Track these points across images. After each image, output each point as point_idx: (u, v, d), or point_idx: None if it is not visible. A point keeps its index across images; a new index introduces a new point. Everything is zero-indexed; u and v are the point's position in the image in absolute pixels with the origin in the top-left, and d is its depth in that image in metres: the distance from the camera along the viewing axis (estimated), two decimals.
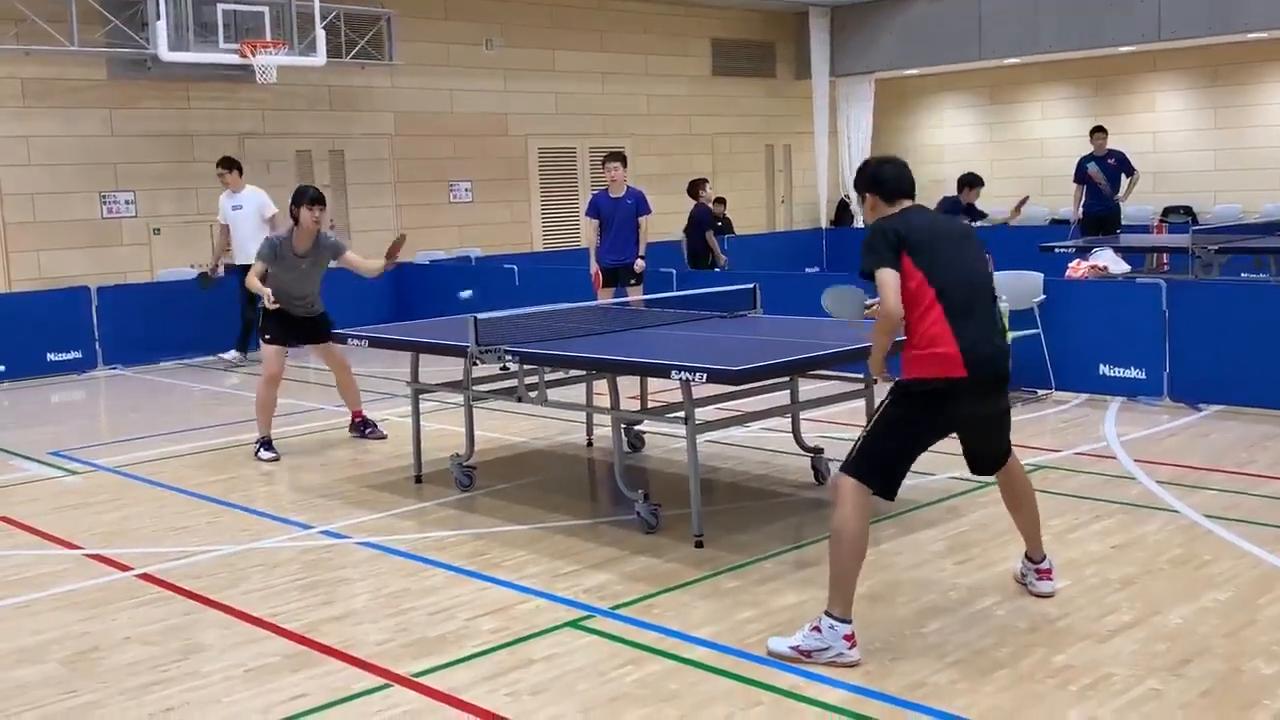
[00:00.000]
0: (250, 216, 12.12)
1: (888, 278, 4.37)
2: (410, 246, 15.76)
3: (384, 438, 8.44)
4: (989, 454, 4.77)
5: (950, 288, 4.40)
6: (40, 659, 4.69)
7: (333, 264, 8.28)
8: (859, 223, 20.43)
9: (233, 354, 12.54)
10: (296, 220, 7.96)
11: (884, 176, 4.65)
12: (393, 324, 8.90)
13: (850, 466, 4.44)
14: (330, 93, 15.27)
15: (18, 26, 12.41)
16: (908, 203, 4.61)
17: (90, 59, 13.16)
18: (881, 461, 4.44)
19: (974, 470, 4.85)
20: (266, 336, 8.10)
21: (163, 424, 9.49)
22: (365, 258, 8.46)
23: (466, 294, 10.33)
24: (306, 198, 7.95)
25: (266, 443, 8.03)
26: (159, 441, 8.78)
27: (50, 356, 12.04)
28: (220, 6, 12.80)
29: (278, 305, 7.91)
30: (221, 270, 12.58)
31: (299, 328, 8.12)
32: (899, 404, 4.45)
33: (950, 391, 4.38)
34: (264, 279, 7.91)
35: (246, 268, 11.65)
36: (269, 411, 8.09)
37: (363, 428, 8.54)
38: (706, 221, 14.39)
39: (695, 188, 14.51)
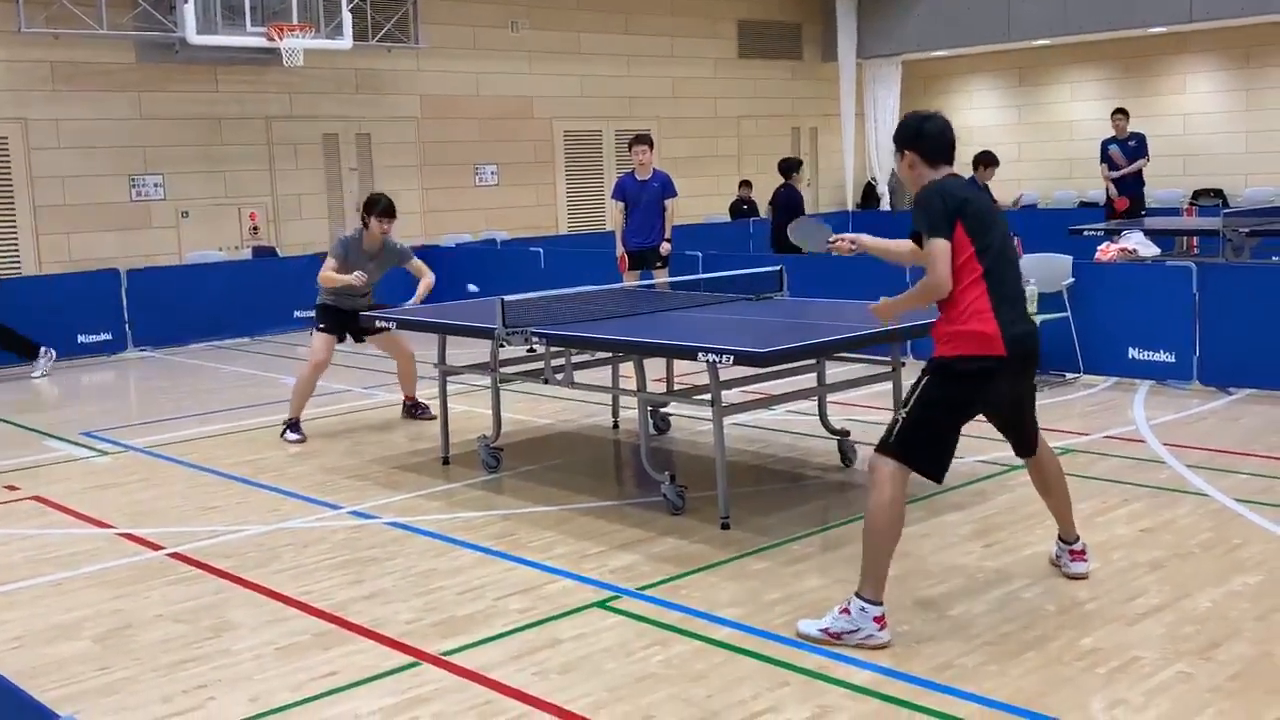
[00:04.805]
0: None
1: (941, 249, 4.27)
2: (436, 229, 15.91)
3: (433, 418, 8.47)
4: (1024, 430, 4.74)
5: (995, 266, 4.35)
6: (74, 636, 4.74)
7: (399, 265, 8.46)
8: (885, 205, 20.37)
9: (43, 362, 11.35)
10: (366, 225, 8.15)
11: (927, 133, 4.49)
12: (419, 306, 8.92)
13: (890, 448, 4.37)
14: (357, 76, 15.30)
15: (47, 10, 12.49)
16: (947, 168, 4.51)
17: (119, 42, 13.24)
18: (927, 442, 4.38)
19: (1019, 452, 4.83)
20: (321, 326, 8.26)
21: (192, 405, 9.57)
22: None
23: (472, 288, 10.12)
24: (378, 208, 8.11)
25: (294, 424, 8.11)
26: (189, 422, 8.86)
27: (81, 338, 12.14)
28: None
29: (333, 301, 8.19)
30: None
31: (352, 321, 8.22)
32: (941, 383, 4.37)
33: (992, 370, 4.36)
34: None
35: None
36: (305, 396, 8.21)
37: (414, 410, 8.67)
38: (797, 206, 13.10)
39: (788, 169, 13.43)
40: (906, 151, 4.52)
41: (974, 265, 4.31)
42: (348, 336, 8.40)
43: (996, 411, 4.65)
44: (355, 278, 7.95)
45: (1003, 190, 15.85)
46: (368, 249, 8.19)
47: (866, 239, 5.04)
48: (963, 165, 5.00)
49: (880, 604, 4.32)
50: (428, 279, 8.23)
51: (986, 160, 12.11)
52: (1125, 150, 14.01)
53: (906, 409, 4.40)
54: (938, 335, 4.43)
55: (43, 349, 11.32)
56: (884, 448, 4.39)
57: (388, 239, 8.29)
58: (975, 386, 4.38)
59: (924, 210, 4.34)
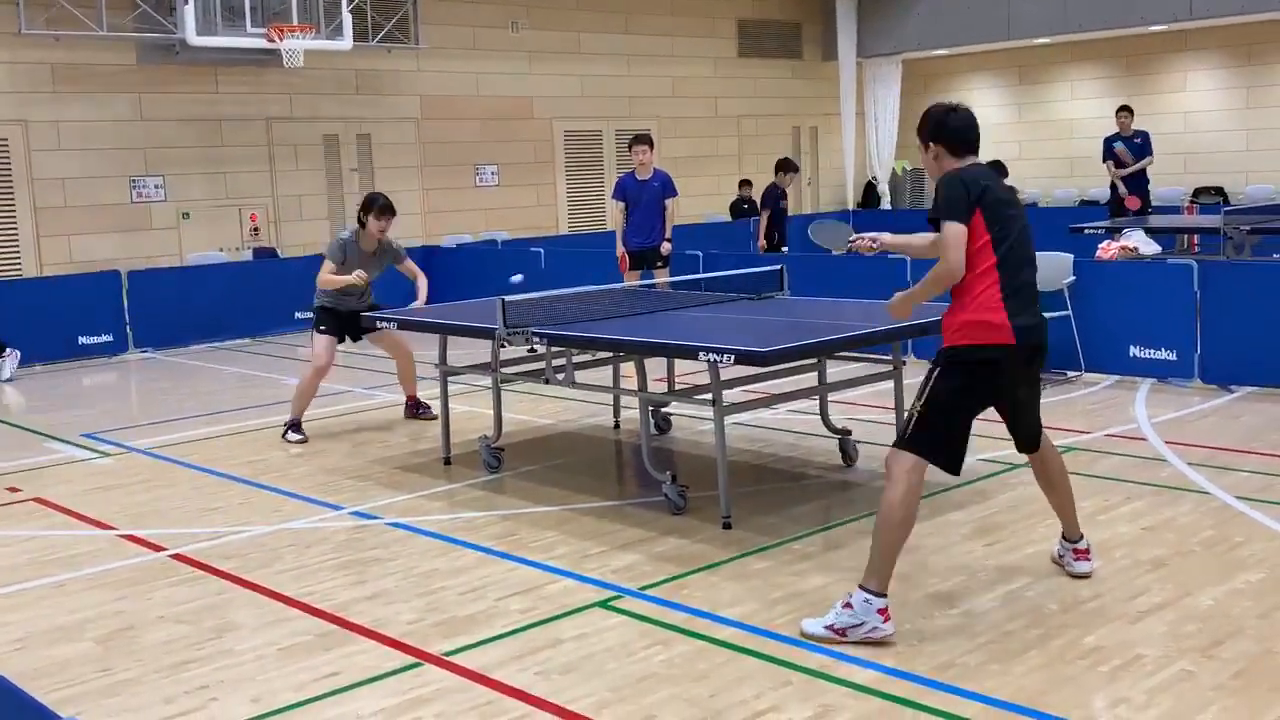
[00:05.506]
0: None
1: (956, 234, 4.28)
2: (437, 230, 15.91)
3: (435, 418, 8.48)
4: (1028, 424, 4.71)
5: (1011, 256, 4.36)
6: (77, 637, 4.74)
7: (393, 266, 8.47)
8: (886, 204, 20.37)
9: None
10: (363, 225, 8.12)
11: (951, 125, 4.46)
12: (422, 307, 8.92)
13: (908, 442, 4.38)
14: (357, 76, 15.30)
15: (48, 11, 12.48)
16: (972, 158, 4.49)
17: (119, 44, 13.23)
18: (943, 434, 4.39)
19: (1021, 448, 4.80)
20: (322, 328, 8.27)
21: (194, 406, 9.57)
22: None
23: (517, 278, 9.53)
24: (376, 206, 8.10)
25: (296, 425, 8.11)
26: (190, 423, 8.86)
27: (82, 340, 12.14)
28: None
29: (331, 302, 8.19)
30: None
31: (352, 322, 8.23)
32: (951, 373, 4.39)
33: (1000, 359, 4.36)
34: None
35: None
36: (307, 399, 8.22)
37: (415, 409, 8.68)
38: (766, 202, 13.66)
39: (777, 167, 13.82)
40: (931, 144, 4.50)
41: (988, 254, 4.33)
42: (347, 338, 8.40)
43: (1005, 401, 4.60)
44: (355, 276, 7.97)
45: None
46: (365, 248, 8.18)
47: (886, 236, 5.04)
48: None
49: (884, 596, 4.32)
50: (423, 280, 8.27)
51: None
52: (1131, 147, 14.01)
53: (920, 403, 4.41)
54: (946, 325, 4.45)
55: (7, 350, 11.11)
56: (900, 443, 4.41)
57: (385, 238, 8.27)
58: (984, 375, 4.39)
59: (945, 197, 4.34)
